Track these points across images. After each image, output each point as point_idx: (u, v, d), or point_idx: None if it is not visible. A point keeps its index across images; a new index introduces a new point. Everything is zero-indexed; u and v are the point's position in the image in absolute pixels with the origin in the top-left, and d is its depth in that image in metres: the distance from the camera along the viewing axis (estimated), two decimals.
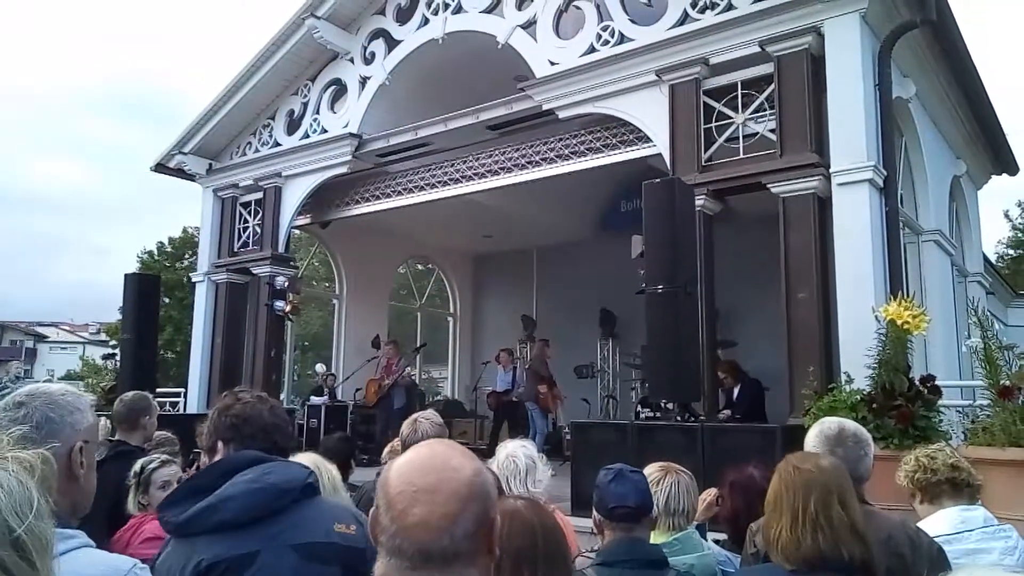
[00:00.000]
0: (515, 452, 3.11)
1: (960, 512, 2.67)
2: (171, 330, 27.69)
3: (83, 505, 1.58)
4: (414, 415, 3.51)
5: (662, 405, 6.89)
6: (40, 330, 60.81)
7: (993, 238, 29.31)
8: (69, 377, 35.81)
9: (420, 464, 1.17)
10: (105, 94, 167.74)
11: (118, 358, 11.13)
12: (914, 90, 7.52)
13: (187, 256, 30.77)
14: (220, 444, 2.08)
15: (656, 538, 2.52)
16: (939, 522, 2.63)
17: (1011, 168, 11.55)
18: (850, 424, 2.60)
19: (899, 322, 5.06)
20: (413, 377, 12.13)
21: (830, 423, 2.59)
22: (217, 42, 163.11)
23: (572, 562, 1.90)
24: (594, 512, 2.41)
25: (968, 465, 2.81)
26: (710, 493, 3.13)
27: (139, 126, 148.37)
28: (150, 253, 32.68)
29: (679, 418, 6.17)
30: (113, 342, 29.34)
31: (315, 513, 1.92)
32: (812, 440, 2.53)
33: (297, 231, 12.33)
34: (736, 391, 8.67)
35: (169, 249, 32.86)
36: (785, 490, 1.99)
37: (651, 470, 2.69)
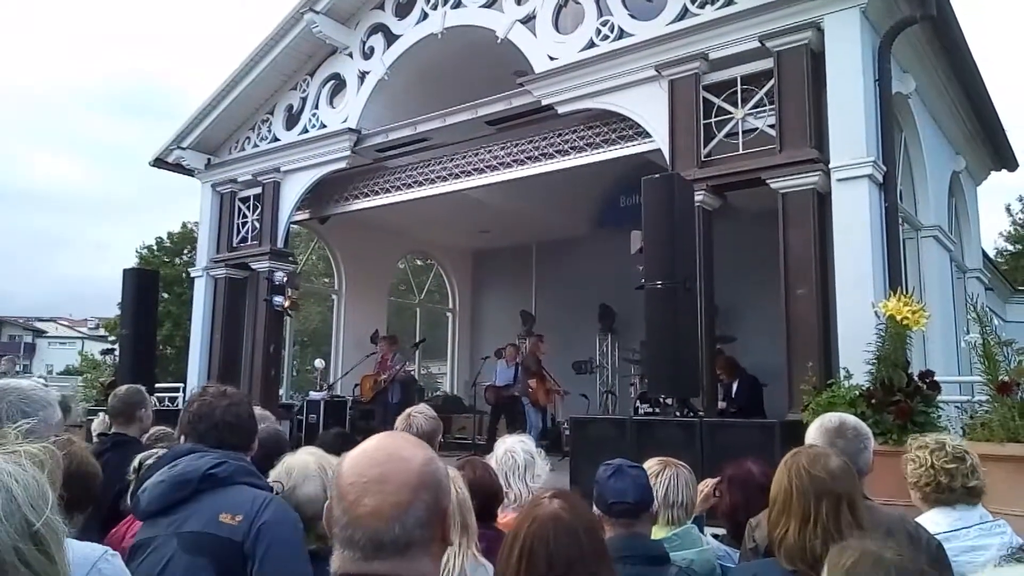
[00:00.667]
0: (513, 447, 3.11)
1: (956, 509, 2.67)
2: (170, 325, 27.66)
3: None
4: (408, 410, 3.51)
5: (661, 401, 6.88)
6: (39, 325, 60.71)
7: (992, 233, 29.35)
8: (68, 372, 35.79)
9: (371, 455, 1.18)
10: (105, 93, 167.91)
11: (117, 353, 11.13)
12: (914, 85, 7.51)
13: (186, 251, 30.74)
14: (183, 438, 2.22)
15: (656, 533, 2.52)
16: (936, 520, 2.62)
17: (1010, 164, 11.54)
18: (851, 419, 2.61)
19: (899, 318, 5.06)
20: (411, 372, 12.13)
21: (831, 417, 2.61)
22: (216, 41, 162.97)
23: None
24: (594, 507, 2.41)
25: (981, 471, 2.72)
26: (707, 484, 3.13)
27: (138, 124, 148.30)
28: (149, 248, 32.64)
29: (678, 414, 6.18)
30: (112, 337, 29.33)
31: (212, 502, 1.97)
32: (813, 433, 2.54)
33: (296, 226, 12.32)
34: (734, 387, 8.68)
35: (168, 244, 32.81)
36: (796, 492, 1.97)
37: (650, 464, 2.70)
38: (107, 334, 35.45)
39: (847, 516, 1.93)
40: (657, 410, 7.24)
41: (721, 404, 8.04)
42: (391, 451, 1.19)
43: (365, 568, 1.13)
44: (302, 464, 2.24)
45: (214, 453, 2.08)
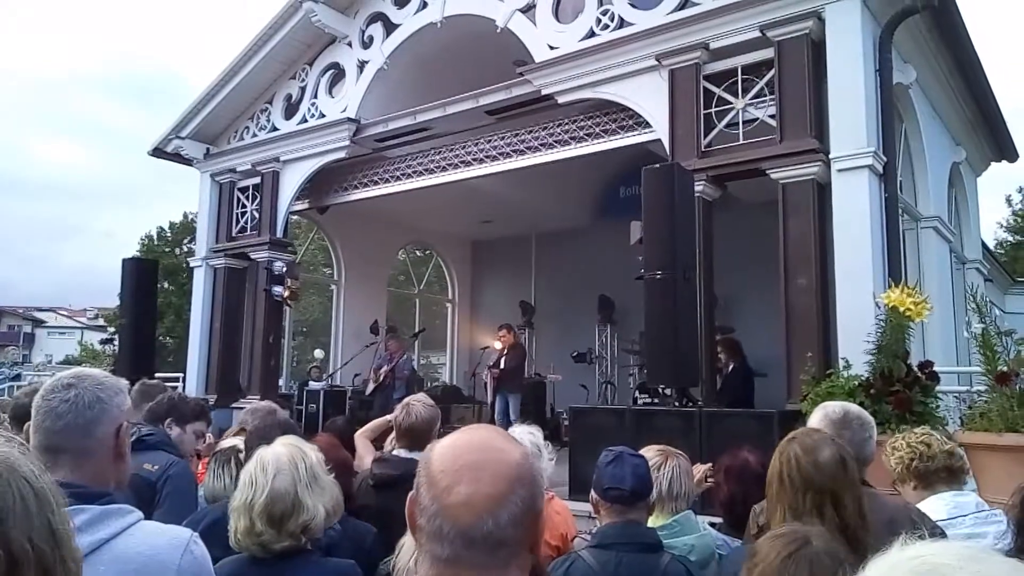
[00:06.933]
0: (522, 438, 3.12)
1: (953, 498, 2.68)
2: (172, 317, 27.69)
3: (124, 481, 1.69)
4: (406, 398, 3.52)
5: (660, 391, 6.90)
6: (38, 315, 60.78)
7: (991, 223, 29.35)
8: (67, 362, 35.82)
9: (466, 443, 1.10)
10: (107, 77, 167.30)
11: (116, 343, 11.14)
12: (914, 76, 7.48)
13: (186, 241, 30.73)
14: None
15: (657, 520, 2.54)
16: (933, 508, 2.63)
17: (1011, 155, 11.52)
18: (854, 408, 2.60)
19: (901, 309, 5.05)
20: (419, 374, 12.09)
21: (834, 407, 2.58)
22: (221, 25, 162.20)
23: None
24: (592, 492, 2.44)
25: (960, 450, 2.82)
26: (699, 469, 3.14)
27: (143, 110, 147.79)
28: (150, 238, 32.64)
29: (677, 403, 6.19)
30: (112, 328, 29.35)
31: (142, 457, 2.85)
32: (816, 424, 2.53)
33: (295, 216, 12.30)
34: (730, 369, 8.60)
35: (169, 235, 32.82)
36: (788, 481, 2.00)
37: (650, 454, 2.70)
38: (106, 324, 35.48)
39: (830, 511, 1.93)
40: (656, 400, 7.26)
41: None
42: (488, 440, 1.11)
43: (452, 573, 1.03)
44: (275, 457, 2.21)
45: (147, 426, 3.21)
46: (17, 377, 14.13)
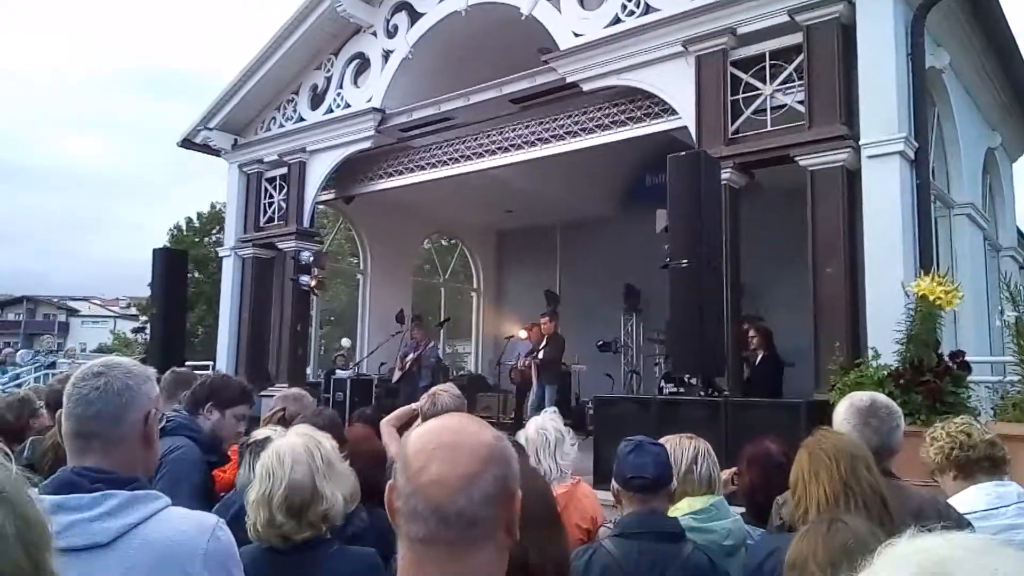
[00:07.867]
0: (545, 426, 3.14)
1: (994, 487, 2.64)
2: (203, 306, 28.04)
3: (152, 468, 1.74)
4: (433, 388, 3.54)
5: (686, 380, 6.86)
6: (72, 304, 61.95)
7: None
8: (100, 350, 36.50)
9: (439, 427, 1.15)
10: (137, 70, 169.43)
11: (148, 332, 11.32)
12: (948, 60, 7.32)
13: (215, 231, 31.08)
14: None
15: (693, 504, 2.54)
16: (973, 498, 2.60)
17: None
18: (881, 397, 2.60)
19: (931, 298, 4.98)
20: (443, 362, 12.12)
21: (861, 396, 2.58)
22: (250, 17, 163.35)
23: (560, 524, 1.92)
24: (613, 482, 2.44)
25: (999, 442, 2.77)
26: (725, 473, 3.13)
27: (174, 103, 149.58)
28: (179, 228, 33.07)
29: (702, 393, 6.16)
30: (144, 317, 29.80)
31: None
32: (843, 413, 2.51)
33: (322, 206, 12.38)
34: (759, 359, 8.53)
35: (197, 225, 33.21)
36: (822, 452, 2.05)
37: (681, 441, 2.70)
38: (138, 313, 36.07)
39: (865, 474, 1.97)
40: (682, 389, 7.21)
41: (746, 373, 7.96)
42: (462, 423, 1.15)
43: (428, 552, 1.06)
44: (291, 448, 2.20)
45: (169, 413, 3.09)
46: (52, 365, 14.43)
